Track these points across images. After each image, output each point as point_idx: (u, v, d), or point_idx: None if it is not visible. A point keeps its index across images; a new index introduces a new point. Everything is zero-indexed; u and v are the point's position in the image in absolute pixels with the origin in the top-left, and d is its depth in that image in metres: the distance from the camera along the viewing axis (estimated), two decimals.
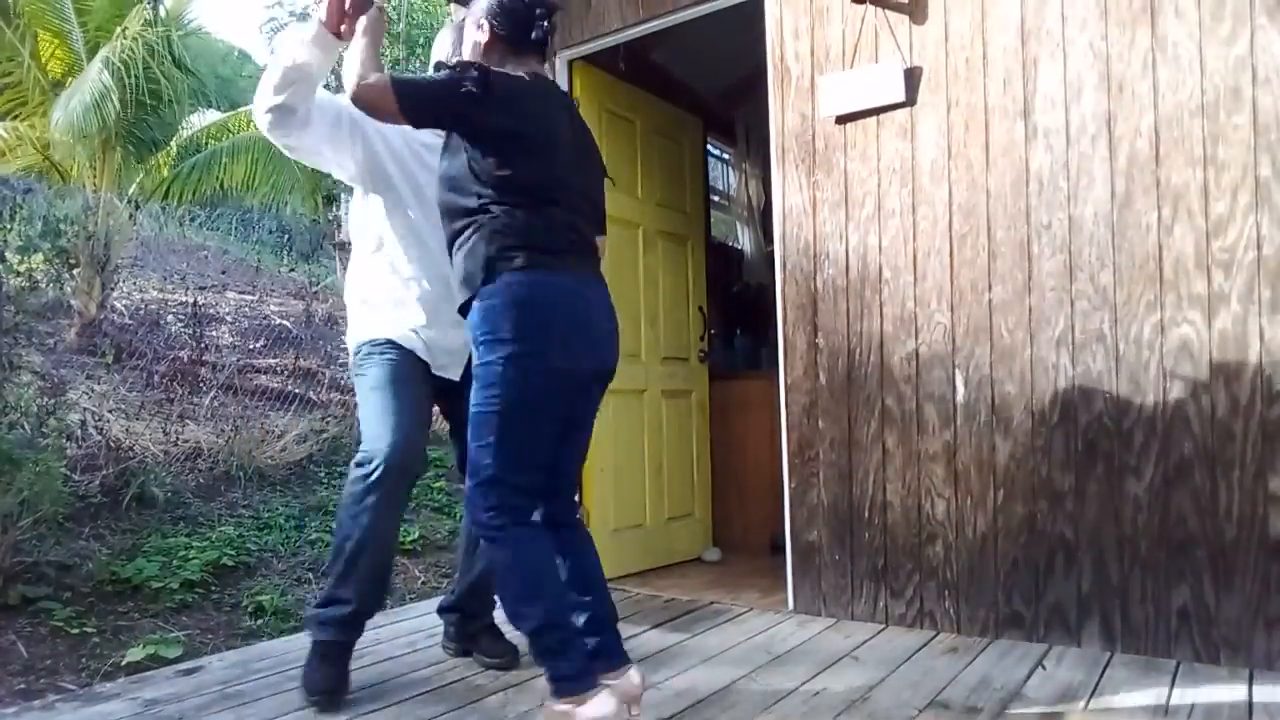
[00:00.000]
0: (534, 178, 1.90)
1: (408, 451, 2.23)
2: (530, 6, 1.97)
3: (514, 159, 1.88)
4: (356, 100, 1.90)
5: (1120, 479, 2.46)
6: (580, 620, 1.96)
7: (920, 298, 2.79)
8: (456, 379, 2.42)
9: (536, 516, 1.96)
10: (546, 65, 2.08)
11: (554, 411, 1.93)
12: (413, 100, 1.87)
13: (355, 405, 6.52)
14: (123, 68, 6.03)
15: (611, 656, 1.97)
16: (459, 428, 2.33)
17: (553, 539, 1.98)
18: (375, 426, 2.26)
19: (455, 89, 1.84)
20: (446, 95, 1.86)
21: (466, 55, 2.05)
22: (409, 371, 2.34)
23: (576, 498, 2.16)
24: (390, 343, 2.36)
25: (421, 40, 10.85)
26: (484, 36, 2.00)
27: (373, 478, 2.20)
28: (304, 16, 6.90)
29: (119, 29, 6.31)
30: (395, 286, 2.39)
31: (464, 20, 2.13)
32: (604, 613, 2.00)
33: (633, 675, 1.97)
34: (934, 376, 2.76)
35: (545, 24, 1.98)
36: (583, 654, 1.88)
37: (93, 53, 6.54)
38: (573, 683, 1.83)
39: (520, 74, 1.95)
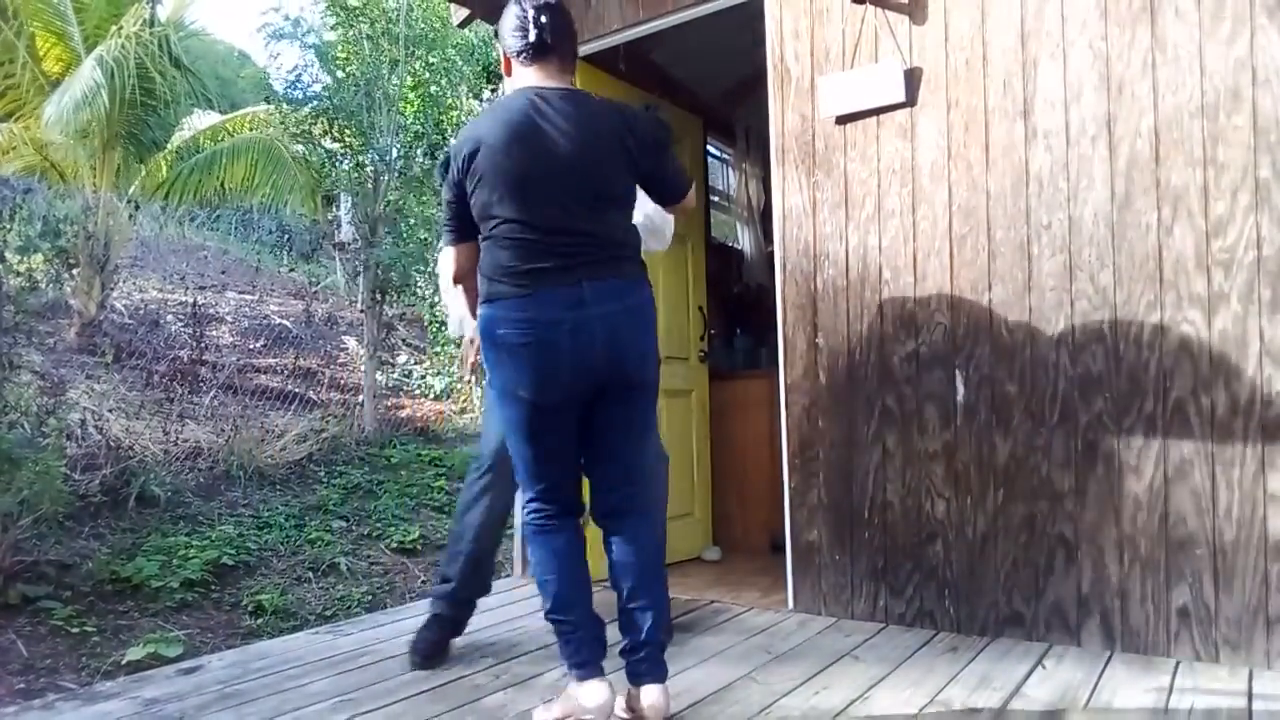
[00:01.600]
0: (484, 209, 1.95)
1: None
2: (517, 14, 2.02)
3: (477, 200, 1.97)
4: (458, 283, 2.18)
5: (1120, 478, 2.46)
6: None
7: (920, 298, 2.79)
8: None
9: (563, 509, 2.05)
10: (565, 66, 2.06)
11: (530, 430, 1.99)
12: (451, 240, 2.10)
13: (356, 405, 6.56)
14: (114, 66, 6.03)
15: (630, 673, 1.99)
16: None
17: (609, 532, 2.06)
18: (488, 435, 2.67)
19: (447, 210, 2.07)
20: (449, 217, 2.06)
21: None
22: None
23: (622, 493, 2.08)
24: None
25: (422, 42, 10.82)
26: (504, 63, 2.12)
27: (484, 479, 2.61)
28: (296, 23, 6.94)
29: (114, 28, 6.31)
30: None
31: None
32: (630, 619, 1.99)
33: (645, 694, 1.94)
34: (934, 376, 2.76)
35: (541, 20, 1.97)
36: (581, 644, 1.97)
37: (91, 52, 6.54)
38: (571, 668, 1.98)
39: (510, 96, 2.02)
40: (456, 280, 2.14)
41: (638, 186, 2.08)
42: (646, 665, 1.96)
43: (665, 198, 2.16)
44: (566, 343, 1.90)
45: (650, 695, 1.94)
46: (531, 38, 1.98)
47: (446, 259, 2.15)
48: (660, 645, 1.99)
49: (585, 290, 1.91)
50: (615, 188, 2.01)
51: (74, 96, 6.04)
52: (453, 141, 2.11)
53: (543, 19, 1.98)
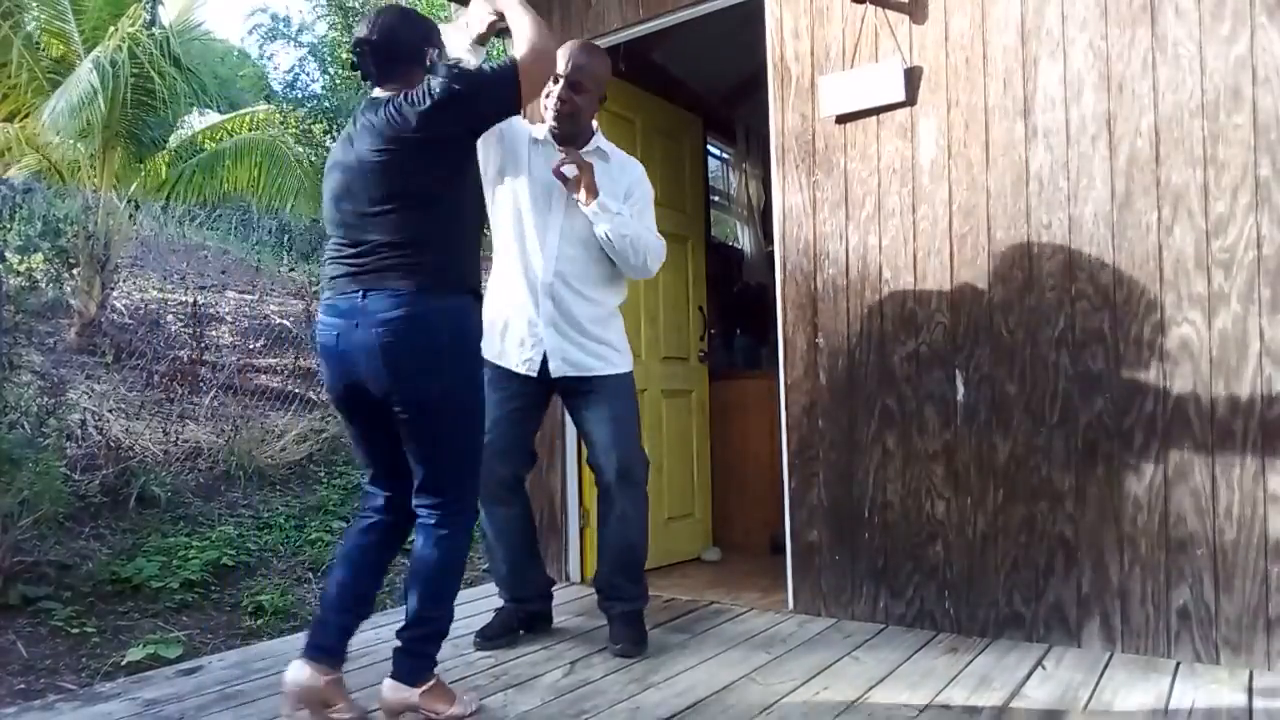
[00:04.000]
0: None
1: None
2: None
3: None
4: None
5: (1120, 479, 2.46)
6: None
7: (920, 297, 2.79)
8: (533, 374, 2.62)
9: (379, 504, 2.17)
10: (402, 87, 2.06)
11: (349, 420, 2.17)
12: None
13: None
14: (110, 69, 6.02)
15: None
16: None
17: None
18: None
19: None
20: None
21: None
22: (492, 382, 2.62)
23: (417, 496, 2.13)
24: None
25: None
26: None
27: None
28: (285, 21, 6.92)
29: (110, 29, 6.30)
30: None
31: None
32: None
33: (384, 684, 2.04)
34: (934, 376, 2.76)
35: (355, 54, 2.07)
36: (316, 624, 2.12)
37: (89, 53, 6.54)
38: None
39: None
40: None
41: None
42: (397, 658, 2.06)
43: (499, 100, 2.07)
44: (336, 351, 2.02)
45: (384, 687, 2.04)
46: (360, 71, 2.11)
47: None
48: (412, 649, 2.05)
49: (364, 300, 1.97)
50: (408, 186, 1.99)
51: (69, 101, 6.03)
52: None
53: (357, 51, 2.06)
